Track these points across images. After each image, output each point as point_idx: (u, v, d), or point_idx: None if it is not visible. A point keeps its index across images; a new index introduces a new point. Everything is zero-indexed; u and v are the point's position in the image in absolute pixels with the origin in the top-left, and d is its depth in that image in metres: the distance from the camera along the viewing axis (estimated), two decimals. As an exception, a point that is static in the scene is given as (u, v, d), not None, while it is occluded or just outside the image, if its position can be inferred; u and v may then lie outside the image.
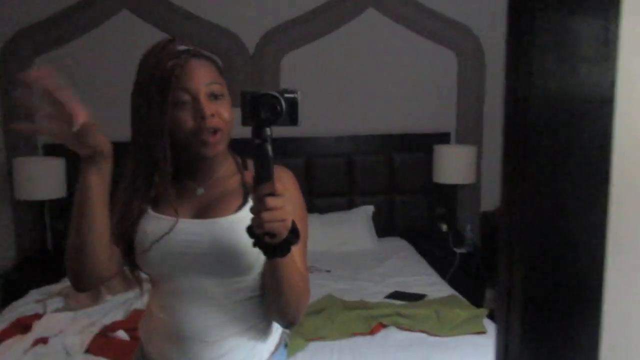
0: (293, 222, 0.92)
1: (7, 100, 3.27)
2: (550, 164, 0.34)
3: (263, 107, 0.89)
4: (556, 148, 0.34)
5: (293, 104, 0.90)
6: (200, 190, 1.13)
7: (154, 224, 1.09)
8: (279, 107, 0.89)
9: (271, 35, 3.39)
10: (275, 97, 0.89)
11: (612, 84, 0.34)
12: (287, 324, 1.11)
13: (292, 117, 0.90)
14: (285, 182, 1.09)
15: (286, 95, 0.90)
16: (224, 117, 1.06)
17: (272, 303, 1.06)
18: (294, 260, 0.99)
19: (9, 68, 3.25)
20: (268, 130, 0.89)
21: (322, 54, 3.43)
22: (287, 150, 3.28)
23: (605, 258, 0.37)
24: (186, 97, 1.04)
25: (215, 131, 1.05)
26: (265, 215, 0.87)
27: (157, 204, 1.11)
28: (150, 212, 1.10)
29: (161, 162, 1.06)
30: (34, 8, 3.22)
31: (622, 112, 0.35)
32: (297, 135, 3.28)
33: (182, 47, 1.07)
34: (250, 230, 0.91)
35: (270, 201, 0.87)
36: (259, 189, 0.88)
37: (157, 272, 1.13)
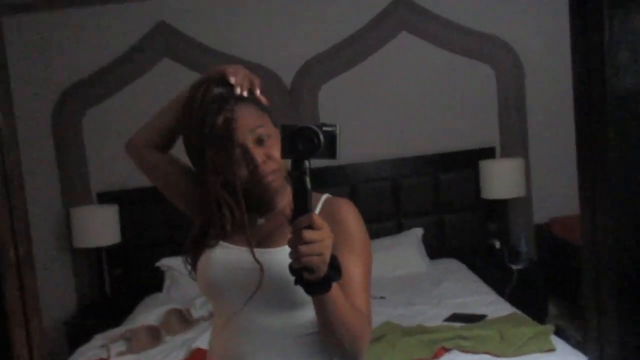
0: (335, 259, 0.90)
1: (62, 153, 3.43)
2: (634, 163, 0.33)
3: (301, 140, 0.90)
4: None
5: (332, 138, 0.90)
6: (261, 221, 1.15)
7: (218, 251, 1.12)
8: (316, 140, 0.89)
9: (307, 69, 3.45)
10: (313, 130, 0.90)
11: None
12: None
13: (331, 151, 0.91)
14: (345, 214, 1.09)
15: (324, 128, 0.91)
16: (275, 156, 1.08)
17: (326, 340, 1.03)
18: (341, 297, 0.96)
19: (61, 123, 3.42)
20: (306, 163, 0.90)
21: (358, 81, 3.46)
22: (330, 179, 3.30)
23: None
24: (236, 151, 1.07)
25: (272, 172, 1.08)
26: (302, 249, 0.86)
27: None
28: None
29: (216, 207, 1.11)
30: (79, 66, 3.39)
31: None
32: (340, 164, 3.30)
33: (220, 90, 1.09)
34: (291, 267, 0.90)
35: (308, 234, 0.86)
36: (296, 221, 0.88)
37: (217, 299, 1.14)
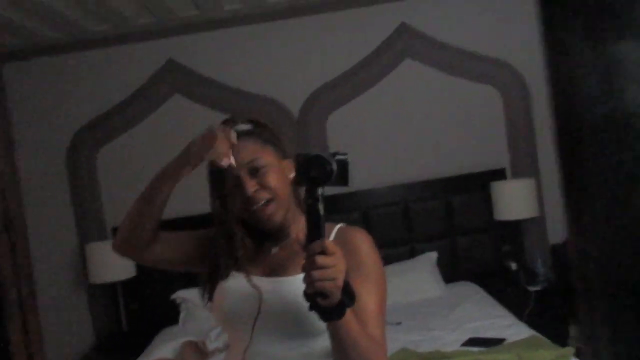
0: (348, 285, 0.91)
1: (76, 190, 3.49)
2: (613, 192, 0.34)
3: (314, 168, 0.92)
4: (618, 175, 0.34)
5: (343, 165, 0.93)
6: (275, 250, 1.17)
7: (232, 281, 1.14)
8: (328, 168, 0.92)
9: (313, 99, 3.50)
10: (325, 158, 0.92)
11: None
12: None
13: (343, 178, 0.93)
14: (359, 243, 1.11)
15: (337, 157, 0.93)
16: (271, 185, 1.10)
17: None
18: (355, 324, 0.96)
19: (75, 161, 3.50)
20: (319, 190, 0.92)
21: (365, 109, 3.51)
22: (342, 206, 3.31)
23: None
24: (230, 182, 1.12)
25: (267, 202, 1.10)
26: (315, 274, 0.87)
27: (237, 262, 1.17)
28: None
29: (238, 234, 1.15)
30: (92, 106, 3.49)
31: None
32: (350, 190, 3.31)
33: (238, 127, 1.14)
34: (305, 292, 0.91)
35: (321, 259, 0.87)
36: (309, 247, 0.89)
37: (232, 328, 1.15)
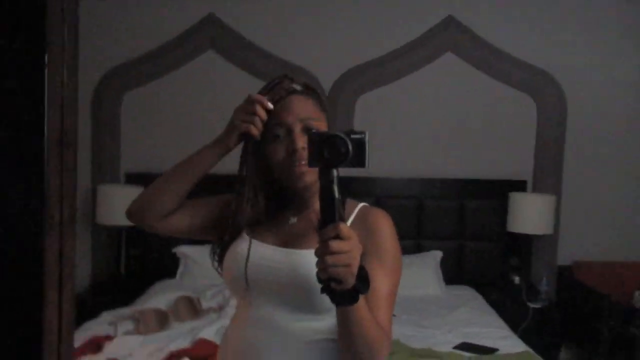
0: (363, 270, 0.88)
1: (97, 130, 3.49)
2: None
3: (328, 148, 0.87)
4: None
5: (360, 146, 0.87)
6: (293, 220, 1.15)
7: (245, 247, 1.12)
8: (343, 148, 0.87)
9: (347, 77, 3.45)
10: (341, 138, 0.87)
11: None
12: None
13: (360, 159, 0.88)
14: (380, 225, 1.08)
15: (353, 136, 0.87)
16: None
17: (344, 352, 1.01)
18: (366, 310, 0.93)
19: (101, 102, 3.49)
20: (334, 172, 0.87)
21: (397, 96, 3.45)
22: (356, 189, 3.28)
23: None
24: (281, 131, 1.09)
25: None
26: (329, 259, 0.84)
27: (253, 228, 1.15)
28: (244, 234, 1.14)
29: (250, 192, 1.12)
30: (126, 48, 3.46)
31: None
32: (367, 176, 3.28)
33: (295, 86, 1.11)
34: (318, 276, 0.88)
35: (335, 245, 0.84)
36: (323, 231, 0.85)
37: (240, 293, 1.14)
